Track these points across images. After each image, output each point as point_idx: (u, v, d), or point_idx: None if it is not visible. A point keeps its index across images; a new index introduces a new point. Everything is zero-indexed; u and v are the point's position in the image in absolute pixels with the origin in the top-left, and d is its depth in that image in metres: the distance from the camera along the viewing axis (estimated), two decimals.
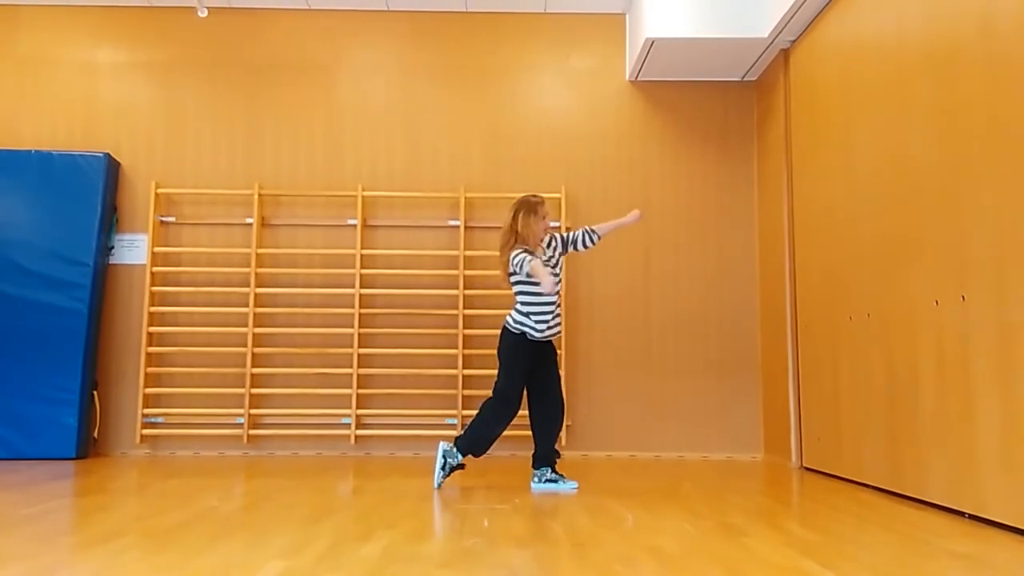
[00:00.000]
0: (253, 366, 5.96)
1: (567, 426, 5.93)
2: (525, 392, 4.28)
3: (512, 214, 4.29)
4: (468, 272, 6.07)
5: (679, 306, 6.16)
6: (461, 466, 4.19)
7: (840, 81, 4.83)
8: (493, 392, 4.24)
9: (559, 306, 4.33)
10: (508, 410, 4.17)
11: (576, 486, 4.19)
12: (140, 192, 6.19)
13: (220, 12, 6.33)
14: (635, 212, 4.54)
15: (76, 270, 5.82)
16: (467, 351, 5.98)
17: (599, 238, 4.48)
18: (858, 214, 4.53)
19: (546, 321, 4.20)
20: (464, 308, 6.01)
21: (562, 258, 4.46)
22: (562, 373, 5.96)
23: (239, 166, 6.26)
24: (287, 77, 6.37)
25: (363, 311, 6.04)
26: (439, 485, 4.13)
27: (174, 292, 6.10)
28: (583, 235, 4.45)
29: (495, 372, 4.29)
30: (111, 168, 6.09)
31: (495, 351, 4.30)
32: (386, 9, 6.41)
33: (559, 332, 4.41)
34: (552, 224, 6.07)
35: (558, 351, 4.57)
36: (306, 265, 6.16)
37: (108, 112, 6.29)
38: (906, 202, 3.97)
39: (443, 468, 4.12)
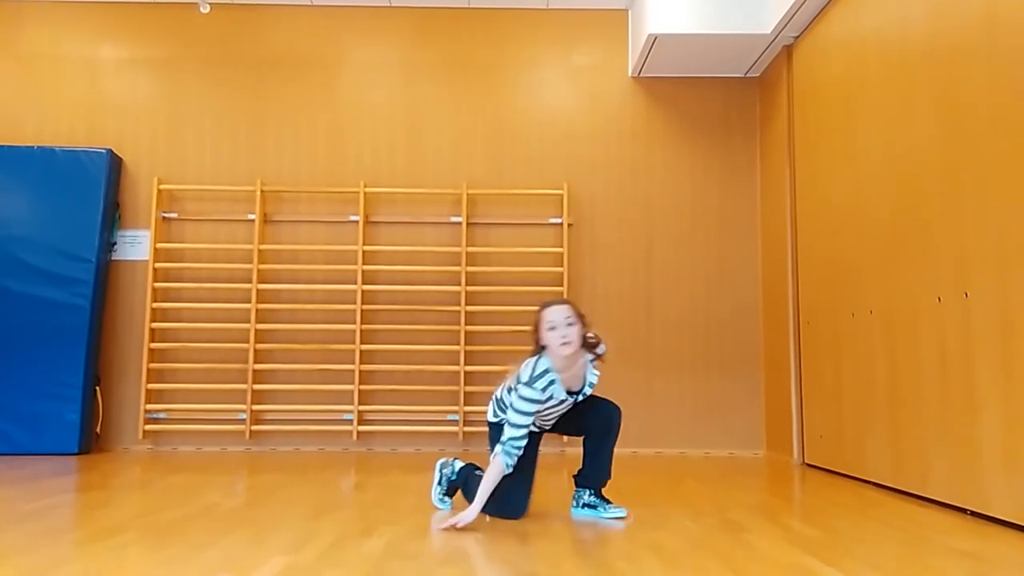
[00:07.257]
0: (255, 362, 5.97)
1: None
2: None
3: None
4: (470, 268, 6.06)
5: (681, 302, 6.16)
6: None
7: (843, 77, 4.82)
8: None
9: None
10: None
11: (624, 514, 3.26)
12: (142, 188, 6.20)
13: (222, 8, 6.32)
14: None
15: (78, 266, 5.83)
16: (469, 347, 5.96)
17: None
18: (861, 211, 4.52)
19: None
20: (466, 304, 6.00)
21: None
22: None
23: (241, 162, 6.26)
24: (289, 73, 6.36)
25: (365, 307, 6.04)
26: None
27: (176, 288, 6.10)
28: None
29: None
30: (113, 164, 6.09)
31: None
32: (388, 5, 6.40)
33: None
34: (552, 221, 6.18)
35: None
36: (308, 261, 6.16)
37: (111, 108, 6.29)
38: (909, 199, 3.96)
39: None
